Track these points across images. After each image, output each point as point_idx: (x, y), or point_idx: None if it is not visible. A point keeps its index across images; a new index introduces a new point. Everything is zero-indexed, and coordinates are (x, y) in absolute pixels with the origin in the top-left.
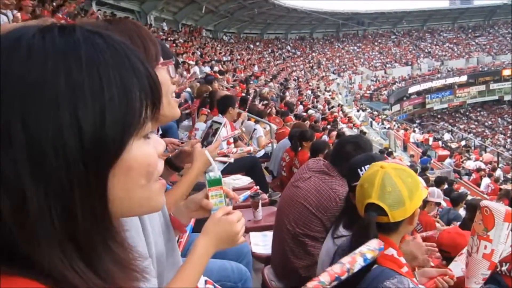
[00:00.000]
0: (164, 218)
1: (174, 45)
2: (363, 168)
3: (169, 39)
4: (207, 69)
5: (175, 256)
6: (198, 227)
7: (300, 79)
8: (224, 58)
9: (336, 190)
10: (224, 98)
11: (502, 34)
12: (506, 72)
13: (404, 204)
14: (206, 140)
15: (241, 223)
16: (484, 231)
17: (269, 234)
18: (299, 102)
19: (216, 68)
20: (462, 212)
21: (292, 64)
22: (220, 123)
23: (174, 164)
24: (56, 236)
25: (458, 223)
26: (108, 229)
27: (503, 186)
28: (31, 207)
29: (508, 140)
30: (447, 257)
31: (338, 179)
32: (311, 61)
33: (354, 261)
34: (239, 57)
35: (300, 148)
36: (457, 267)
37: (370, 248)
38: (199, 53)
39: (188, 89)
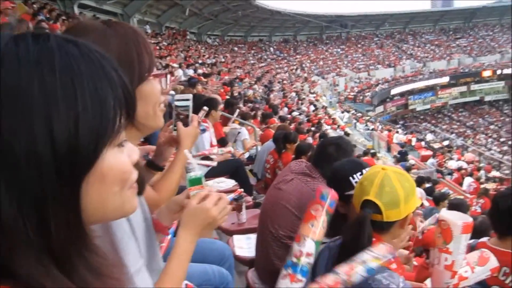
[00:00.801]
0: (145, 222)
1: (158, 48)
2: (355, 176)
3: (152, 42)
4: (190, 72)
5: (158, 261)
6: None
7: (285, 81)
8: (208, 61)
9: None
10: (206, 101)
11: (482, 36)
12: (486, 73)
13: (399, 206)
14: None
15: (219, 206)
16: (443, 244)
17: (253, 236)
18: (283, 104)
19: (200, 71)
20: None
21: (277, 66)
22: (187, 99)
23: (156, 164)
24: (32, 246)
25: None
26: (82, 238)
27: (485, 185)
28: (5, 217)
29: (489, 140)
30: None
31: (320, 180)
32: (295, 63)
33: (352, 270)
34: (223, 60)
35: (284, 150)
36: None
37: (376, 255)
38: (183, 56)
39: (172, 92)
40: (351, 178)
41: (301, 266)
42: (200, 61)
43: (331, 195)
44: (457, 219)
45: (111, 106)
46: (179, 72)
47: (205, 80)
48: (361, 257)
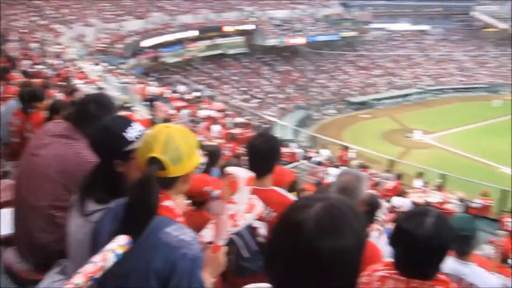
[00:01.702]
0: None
1: None
2: (127, 131)
3: None
4: None
5: None
6: None
7: (22, 30)
8: None
9: (82, 154)
10: None
11: None
12: (227, 29)
13: (182, 161)
14: None
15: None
16: (230, 195)
17: (4, 211)
18: (24, 56)
19: None
20: None
21: (11, 11)
22: None
23: None
24: None
25: None
26: None
27: (232, 131)
28: None
29: (232, 89)
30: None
31: (83, 142)
32: (33, 9)
33: (106, 258)
34: None
35: (31, 110)
36: (208, 233)
37: (120, 244)
38: None
39: None
40: (124, 134)
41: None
42: None
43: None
44: (242, 173)
45: None
46: None
47: None
48: (110, 247)
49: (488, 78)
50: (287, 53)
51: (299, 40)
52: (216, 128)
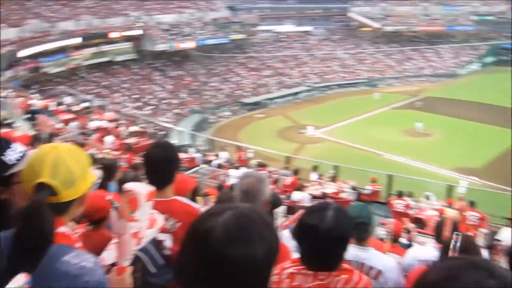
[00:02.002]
0: None
1: None
2: (5, 154)
3: None
4: None
5: None
6: None
7: None
8: None
9: None
10: None
11: None
12: (113, 35)
13: (75, 184)
14: None
15: None
16: (131, 213)
17: None
18: None
19: None
20: None
21: None
22: None
23: None
24: None
25: None
26: None
27: (127, 141)
28: None
29: (124, 97)
30: None
31: None
32: None
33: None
34: None
35: None
36: (110, 255)
37: (19, 285)
38: None
39: None
40: (2, 157)
41: None
42: None
43: None
44: (141, 189)
45: None
46: None
47: None
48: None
49: (367, 73)
50: (178, 58)
51: (189, 44)
52: (109, 139)
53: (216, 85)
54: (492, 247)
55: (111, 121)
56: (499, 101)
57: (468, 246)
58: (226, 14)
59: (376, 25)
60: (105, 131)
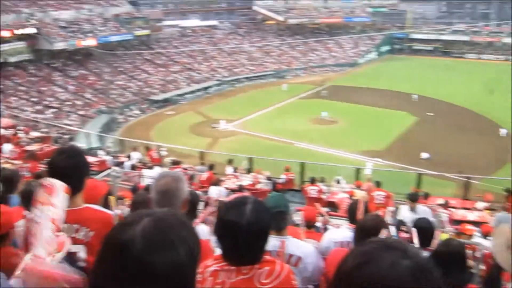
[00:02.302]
0: None
1: None
2: None
3: None
4: None
5: None
6: None
7: None
8: None
9: None
10: None
11: None
12: (4, 33)
13: None
14: None
15: None
16: (48, 199)
17: None
18: None
19: None
20: None
21: None
22: None
23: None
24: None
25: None
26: None
27: (29, 148)
28: None
29: (21, 101)
30: None
31: None
32: None
33: None
34: None
35: None
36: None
37: None
38: None
39: None
40: None
41: None
42: None
43: None
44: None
45: None
46: None
47: None
48: None
49: (274, 65)
50: (79, 57)
51: (90, 42)
52: (7, 147)
53: (122, 83)
54: (398, 225)
55: (8, 128)
56: (395, 87)
57: (379, 225)
58: (128, 9)
59: (280, 18)
60: (2, 139)
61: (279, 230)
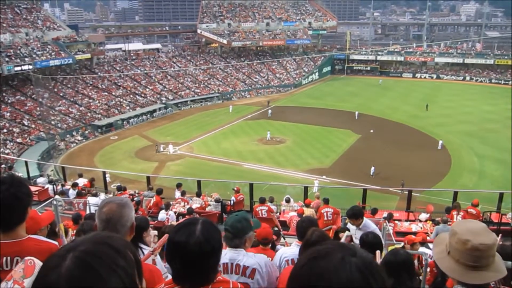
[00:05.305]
0: None
1: None
2: None
3: None
4: None
5: None
6: None
7: None
8: None
9: None
10: None
11: None
12: None
13: None
14: None
15: None
16: (21, 278)
17: None
18: None
19: None
20: None
21: None
22: None
23: None
24: None
25: None
26: None
27: None
28: None
29: None
30: None
31: None
32: None
33: None
34: None
35: None
36: None
37: None
38: None
39: None
40: None
41: None
42: None
43: None
44: None
45: None
46: None
47: None
48: None
49: (219, 87)
50: (16, 82)
51: (27, 67)
52: None
53: (63, 108)
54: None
55: None
56: (336, 106)
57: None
58: (68, 33)
59: (223, 41)
60: None
61: (237, 246)
